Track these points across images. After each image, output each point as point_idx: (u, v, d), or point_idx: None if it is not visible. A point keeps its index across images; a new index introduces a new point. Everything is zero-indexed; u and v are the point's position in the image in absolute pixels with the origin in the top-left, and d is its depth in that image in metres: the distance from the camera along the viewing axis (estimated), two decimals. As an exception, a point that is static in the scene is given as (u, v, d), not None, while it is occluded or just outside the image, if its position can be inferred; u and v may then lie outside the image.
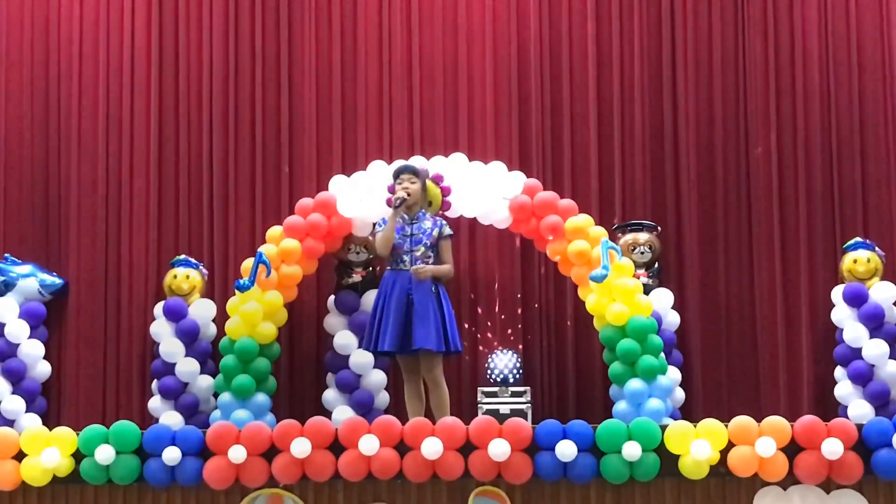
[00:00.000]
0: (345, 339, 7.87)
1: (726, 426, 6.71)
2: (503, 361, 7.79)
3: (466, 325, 8.18)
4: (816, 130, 8.27)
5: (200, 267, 8.16)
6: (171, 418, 7.75)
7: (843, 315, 7.86)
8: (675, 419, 7.29)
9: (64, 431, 6.89)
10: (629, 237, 8.04)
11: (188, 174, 8.42)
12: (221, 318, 7.85)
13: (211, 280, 8.23)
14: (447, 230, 7.45)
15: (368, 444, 6.60)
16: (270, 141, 8.43)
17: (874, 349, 7.67)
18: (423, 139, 8.35)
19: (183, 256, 8.16)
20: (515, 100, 8.40)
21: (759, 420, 6.74)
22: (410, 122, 8.41)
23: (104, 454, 6.69)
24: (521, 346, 8.13)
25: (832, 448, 6.55)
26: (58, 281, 8.22)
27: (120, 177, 8.38)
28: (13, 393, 7.87)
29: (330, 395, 7.92)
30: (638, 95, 8.37)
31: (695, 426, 6.72)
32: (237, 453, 6.64)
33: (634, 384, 7.24)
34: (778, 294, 8.15)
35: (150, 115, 8.41)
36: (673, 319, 8.01)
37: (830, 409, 7.80)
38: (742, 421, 6.73)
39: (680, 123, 8.35)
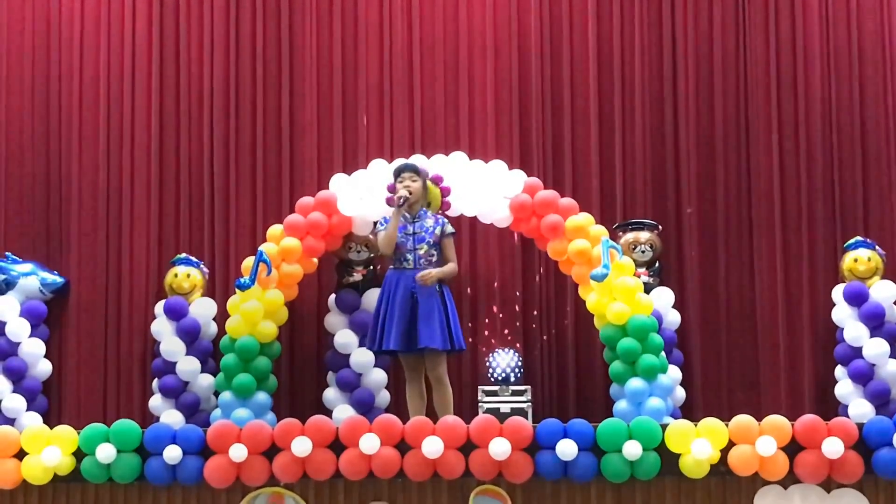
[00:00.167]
0: (345, 338, 7.87)
1: (727, 425, 6.71)
2: (504, 360, 7.78)
3: (468, 324, 8.16)
4: (817, 129, 8.26)
5: (201, 265, 8.15)
6: (171, 417, 7.75)
7: (843, 314, 7.85)
8: (676, 418, 7.29)
9: (65, 430, 6.89)
10: (630, 236, 8.03)
11: (189, 173, 8.41)
12: (222, 317, 7.85)
13: (212, 279, 8.22)
14: (449, 228, 7.45)
15: (369, 443, 6.60)
16: (271, 140, 8.42)
17: (875, 348, 7.67)
18: (423, 138, 8.34)
19: (184, 255, 8.15)
20: (516, 98, 8.39)
21: (759, 419, 6.74)
22: (411, 121, 8.40)
23: (105, 453, 6.70)
24: (521, 346, 8.13)
25: (833, 447, 6.55)
26: (59, 279, 8.22)
27: (121, 176, 8.38)
28: (14, 391, 7.87)
29: (330, 393, 7.92)
30: (639, 94, 8.37)
31: (695, 425, 6.72)
32: (238, 452, 6.64)
33: (635, 383, 7.24)
34: (779, 293, 8.14)
35: (150, 114, 8.40)
36: (673, 318, 8.00)
37: (831, 408, 7.80)
38: (742, 420, 6.73)
39: (680, 122, 8.34)
